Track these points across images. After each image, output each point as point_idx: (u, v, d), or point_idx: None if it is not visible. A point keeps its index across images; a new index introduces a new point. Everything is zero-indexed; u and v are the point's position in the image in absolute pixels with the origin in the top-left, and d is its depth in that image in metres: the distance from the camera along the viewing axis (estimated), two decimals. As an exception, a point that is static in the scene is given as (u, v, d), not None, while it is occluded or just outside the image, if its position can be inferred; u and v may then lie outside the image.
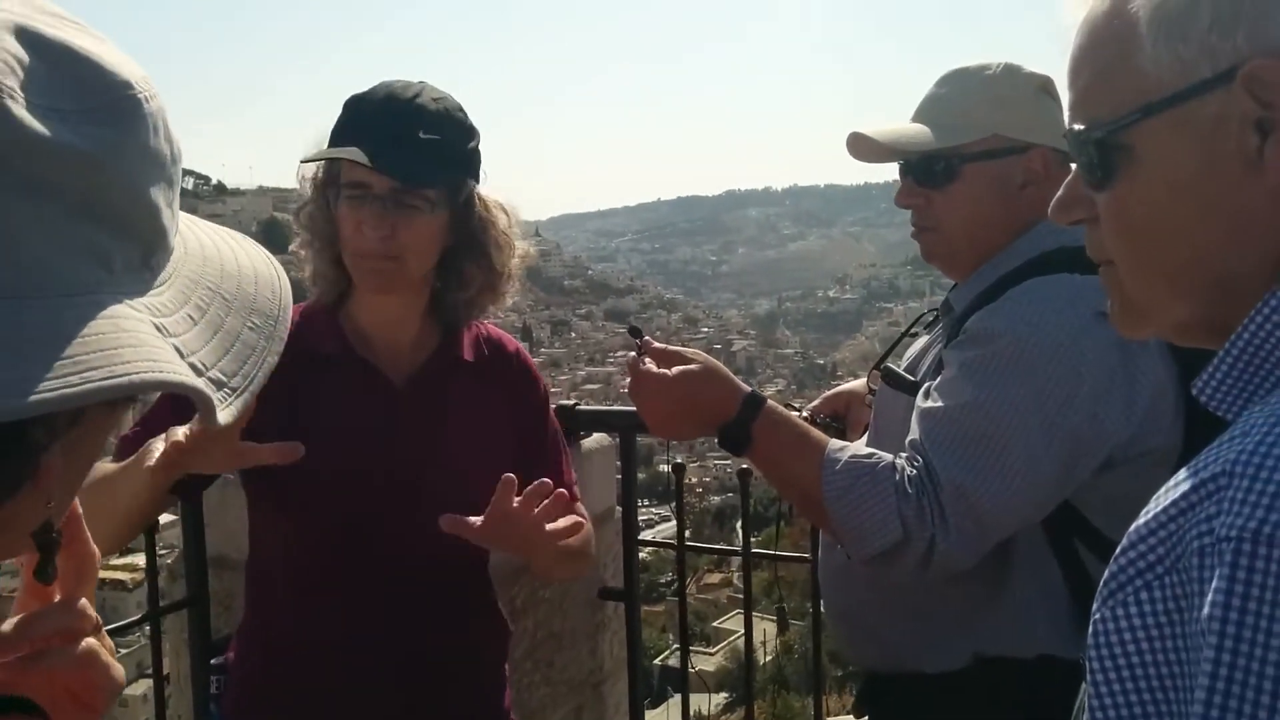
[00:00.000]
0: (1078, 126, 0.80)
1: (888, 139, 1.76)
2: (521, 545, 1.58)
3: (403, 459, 1.70)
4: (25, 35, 0.56)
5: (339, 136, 1.65)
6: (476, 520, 1.52)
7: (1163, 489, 0.65)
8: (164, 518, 2.10)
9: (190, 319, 0.63)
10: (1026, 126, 1.70)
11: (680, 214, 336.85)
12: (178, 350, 0.60)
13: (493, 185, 1.77)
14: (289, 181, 1.73)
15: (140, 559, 2.46)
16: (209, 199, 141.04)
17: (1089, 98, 0.80)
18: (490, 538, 1.54)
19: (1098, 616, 0.65)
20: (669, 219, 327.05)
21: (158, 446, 1.46)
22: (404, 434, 1.72)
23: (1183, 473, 0.64)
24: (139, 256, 0.61)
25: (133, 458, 1.52)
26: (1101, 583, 0.66)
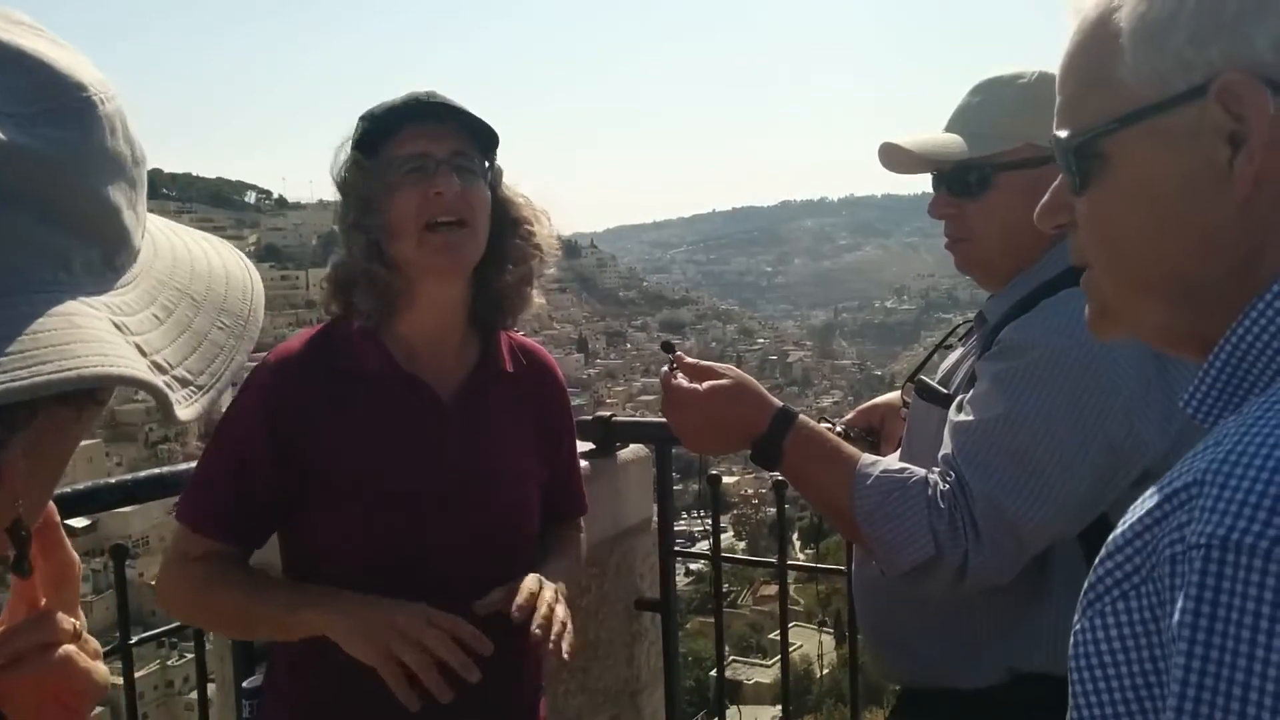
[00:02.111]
0: (1060, 133, 0.82)
1: (921, 149, 1.74)
2: None
3: (452, 472, 1.70)
4: None
5: (383, 124, 1.68)
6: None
7: (1139, 499, 0.65)
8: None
9: (155, 318, 0.64)
10: None
11: (735, 225, 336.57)
12: (139, 348, 0.60)
13: (537, 194, 1.85)
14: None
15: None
16: (271, 213, 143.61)
17: (1072, 106, 0.82)
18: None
19: (1078, 627, 0.66)
20: (724, 230, 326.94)
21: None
22: (454, 447, 1.72)
23: (1158, 483, 0.64)
24: (100, 257, 0.62)
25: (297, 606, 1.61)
26: (1082, 593, 0.67)
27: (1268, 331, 0.68)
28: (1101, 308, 0.84)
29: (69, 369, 0.55)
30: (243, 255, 0.78)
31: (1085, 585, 0.66)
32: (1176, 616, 0.58)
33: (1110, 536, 0.66)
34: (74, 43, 0.64)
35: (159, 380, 0.60)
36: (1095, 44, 0.79)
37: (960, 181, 1.72)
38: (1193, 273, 0.75)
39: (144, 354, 0.61)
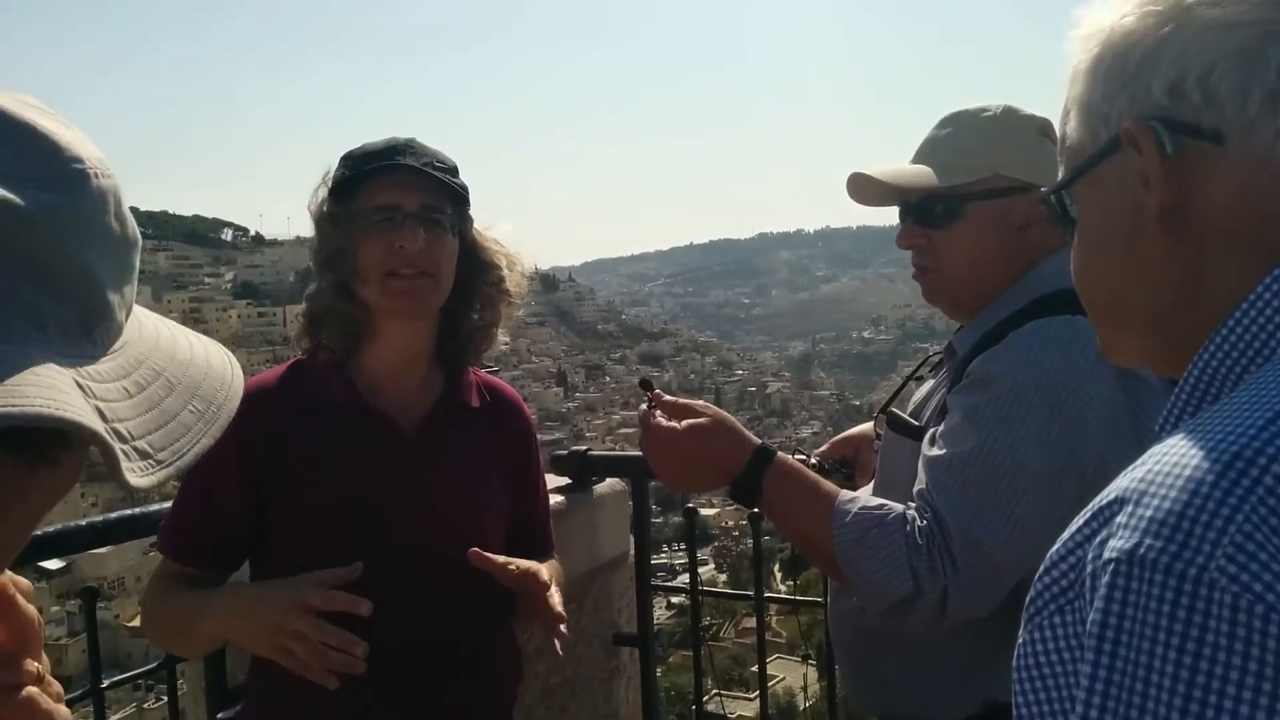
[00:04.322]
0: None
1: (890, 178, 1.76)
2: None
3: (408, 500, 1.73)
4: None
5: (359, 173, 1.72)
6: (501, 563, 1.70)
7: (1078, 515, 0.67)
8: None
9: (126, 391, 0.66)
10: (1027, 167, 1.70)
11: (713, 257, 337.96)
12: (99, 411, 0.62)
13: (512, 230, 1.90)
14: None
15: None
16: (247, 250, 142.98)
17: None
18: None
19: (1020, 640, 0.68)
20: (701, 262, 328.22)
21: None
22: (411, 477, 1.75)
23: (1094, 500, 0.67)
24: (76, 322, 0.64)
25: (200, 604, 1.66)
26: (1024, 606, 0.69)
27: (1229, 357, 0.72)
28: (1101, 339, 0.91)
29: (9, 405, 0.55)
30: (231, 355, 0.80)
31: (1027, 599, 0.69)
32: (1087, 627, 0.61)
33: (1049, 552, 0.68)
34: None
35: (103, 429, 0.61)
36: (1063, 110, 0.89)
37: (928, 212, 1.74)
38: (1147, 305, 0.81)
39: (104, 418, 0.62)
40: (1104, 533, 0.63)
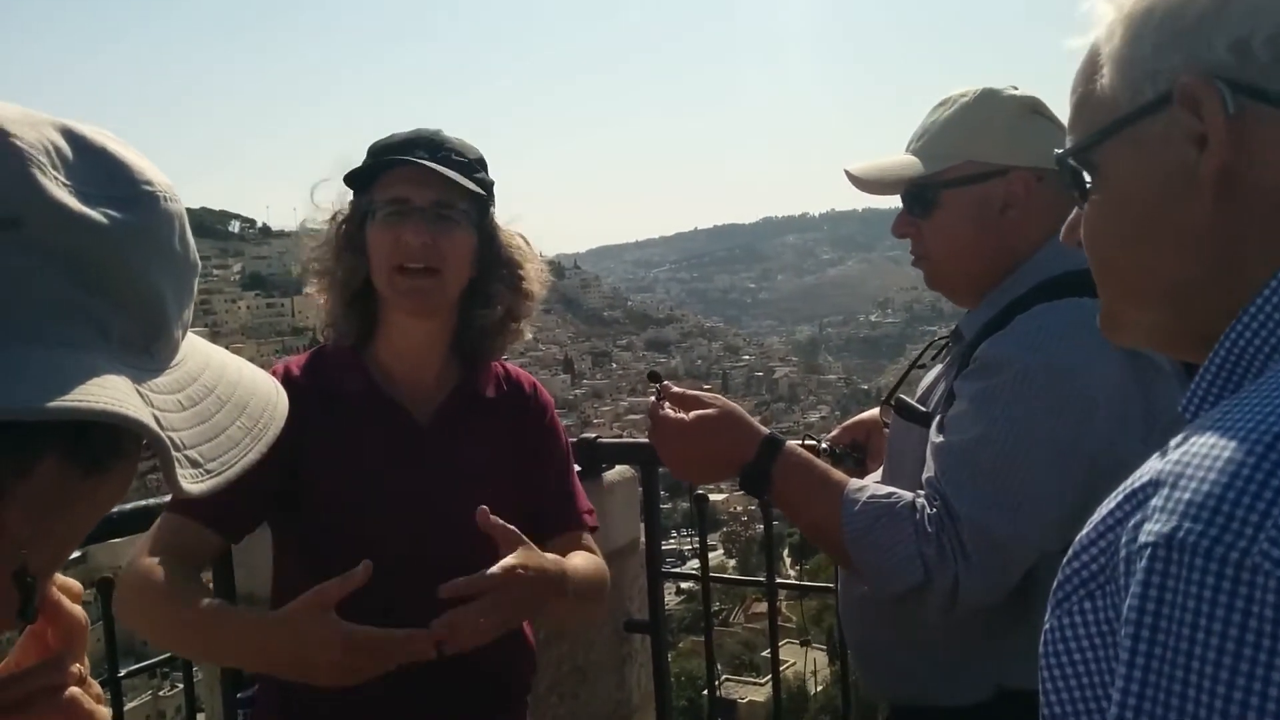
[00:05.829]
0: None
1: (864, 173, 1.78)
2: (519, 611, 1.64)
3: (425, 494, 1.73)
4: (69, 134, 0.67)
5: (376, 165, 1.72)
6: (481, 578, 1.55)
7: (1108, 498, 0.66)
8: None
9: (180, 404, 0.69)
10: (1003, 150, 1.69)
11: (718, 242, 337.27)
12: (155, 419, 0.64)
13: (523, 220, 1.84)
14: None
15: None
16: (255, 241, 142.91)
17: (1071, 124, 0.85)
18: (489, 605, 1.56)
19: (1047, 626, 0.67)
20: (707, 248, 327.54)
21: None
22: (427, 470, 1.75)
23: (1124, 483, 0.66)
24: (139, 336, 0.67)
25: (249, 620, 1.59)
26: (1051, 592, 0.68)
27: (1259, 336, 0.70)
28: (1106, 313, 0.87)
29: (76, 400, 0.58)
30: (277, 383, 0.84)
31: (1054, 584, 0.67)
32: (1124, 612, 0.59)
33: (1077, 536, 0.67)
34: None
35: (164, 435, 0.64)
36: (1085, 67, 0.83)
37: (917, 200, 1.75)
38: (1175, 276, 0.77)
39: (160, 426, 0.65)
40: (1138, 516, 0.61)
